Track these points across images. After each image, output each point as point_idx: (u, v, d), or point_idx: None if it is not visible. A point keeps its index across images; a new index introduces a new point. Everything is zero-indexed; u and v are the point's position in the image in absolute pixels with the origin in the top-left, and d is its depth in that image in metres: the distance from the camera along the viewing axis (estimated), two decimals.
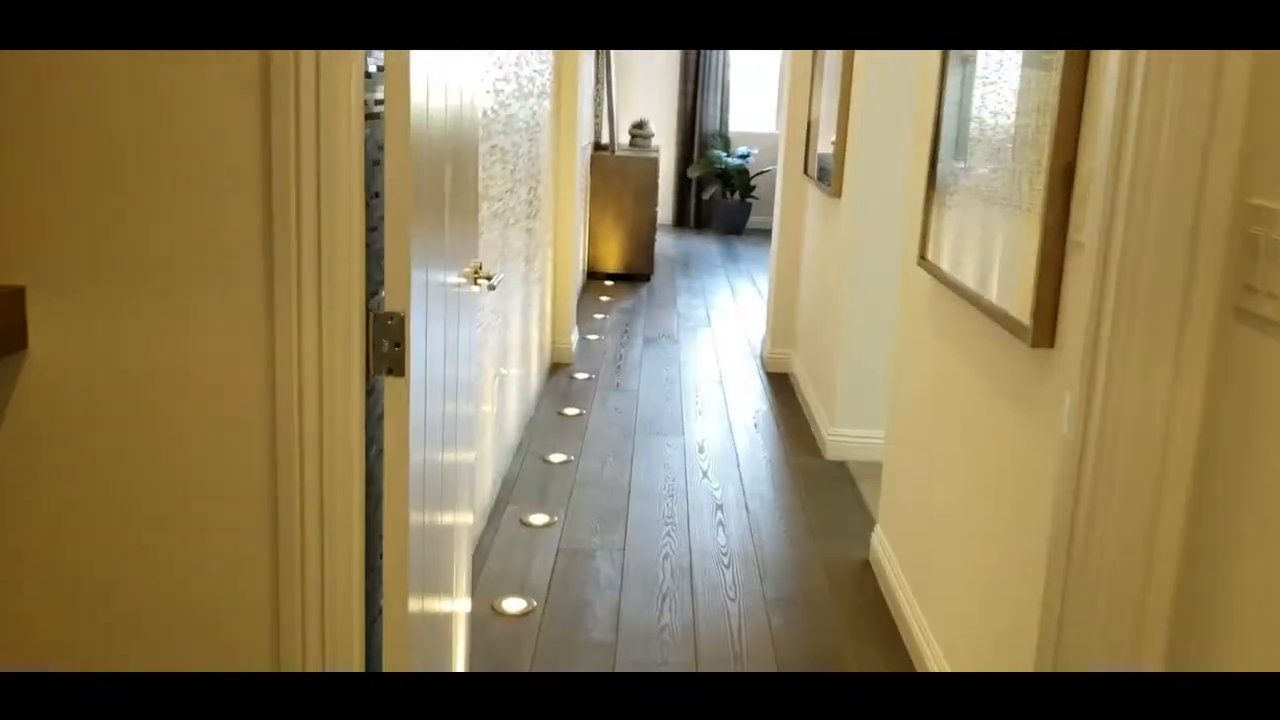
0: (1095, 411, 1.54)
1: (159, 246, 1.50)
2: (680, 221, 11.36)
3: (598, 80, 8.26)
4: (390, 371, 1.63)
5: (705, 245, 10.22)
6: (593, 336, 6.27)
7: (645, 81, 11.17)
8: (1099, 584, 1.54)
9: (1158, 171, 1.44)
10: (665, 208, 11.04)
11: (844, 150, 4.32)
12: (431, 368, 1.90)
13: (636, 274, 8.17)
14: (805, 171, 5.25)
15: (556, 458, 4.25)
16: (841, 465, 4.32)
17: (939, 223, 2.76)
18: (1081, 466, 1.56)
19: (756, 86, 11.70)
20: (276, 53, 1.44)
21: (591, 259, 8.13)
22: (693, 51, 11.04)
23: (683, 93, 11.15)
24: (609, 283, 8.01)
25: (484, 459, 3.55)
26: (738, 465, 4.29)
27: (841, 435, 4.37)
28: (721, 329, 6.68)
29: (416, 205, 1.69)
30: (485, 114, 3.21)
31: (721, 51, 11.06)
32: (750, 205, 11.02)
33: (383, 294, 1.66)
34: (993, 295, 2.27)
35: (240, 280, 1.51)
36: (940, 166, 2.75)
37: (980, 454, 2.45)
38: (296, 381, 1.52)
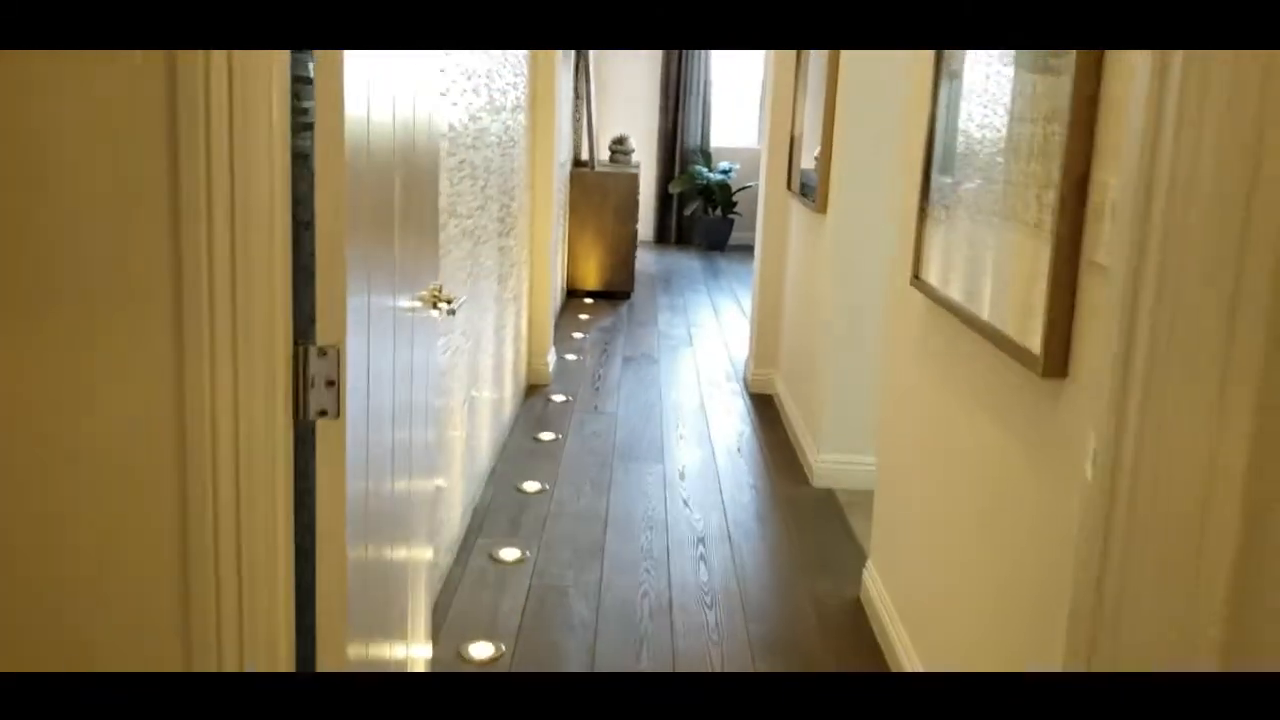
0: (1126, 454, 1.35)
1: (61, 276, 1.29)
2: (661, 238, 11.19)
3: (577, 95, 8.09)
4: (324, 414, 1.43)
5: (687, 262, 10.05)
6: (571, 356, 6.08)
7: (625, 97, 11.01)
8: (1130, 655, 1.35)
9: (1199, 184, 1.26)
10: (646, 224, 10.87)
11: (829, 165, 4.15)
12: (379, 397, 1.70)
13: (617, 291, 7.98)
14: (788, 187, 5.08)
15: (530, 486, 4.05)
16: (829, 493, 4.13)
17: (933, 241, 2.58)
18: (1110, 520, 1.38)
19: (738, 101, 11.56)
20: (183, 53, 1.25)
21: (571, 276, 7.95)
22: (673, 66, 10.89)
23: (663, 108, 10.99)
24: (589, 300, 7.82)
25: (453, 488, 3.35)
26: (720, 493, 4.10)
27: (828, 461, 4.19)
28: (703, 348, 6.50)
29: (357, 224, 1.50)
30: (452, 127, 3.03)
31: (703, 66, 10.92)
32: (732, 221, 10.85)
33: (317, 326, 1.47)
34: (996, 319, 2.09)
35: (149, 314, 1.30)
36: (934, 181, 2.58)
37: (983, 491, 2.26)
38: (210, 430, 1.31)
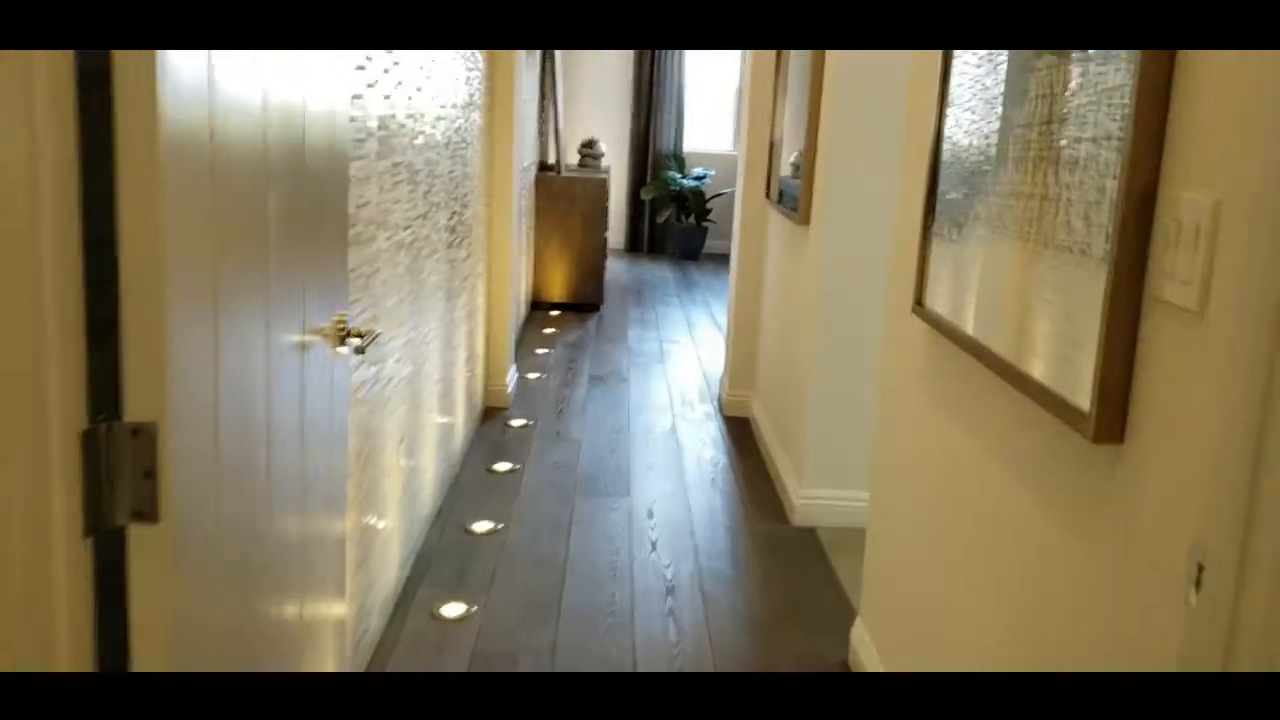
0: (1256, 572, 0.97)
1: None
2: (633, 246, 10.80)
3: (543, 95, 7.69)
4: (141, 516, 1.03)
5: (659, 272, 9.66)
6: (533, 375, 5.67)
7: (595, 98, 10.63)
8: None
9: None
10: (616, 232, 10.48)
11: (812, 172, 3.78)
12: (244, 473, 1.30)
13: (584, 304, 7.59)
14: (767, 195, 4.71)
15: (481, 526, 3.64)
16: (811, 533, 3.75)
17: (940, 263, 2.20)
18: (1230, 663, 1.00)
19: (713, 104, 11.20)
20: None
21: (536, 288, 7.55)
22: (646, 66, 10.52)
23: (635, 110, 10.61)
24: (554, 313, 7.42)
25: (390, 536, 2.95)
26: (692, 534, 3.71)
27: (811, 498, 3.81)
28: (676, 366, 6.11)
29: (197, 251, 1.10)
30: (384, 125, 2.63)
31: (676, 67, 10.55)
32: (707, 229, 10.48)
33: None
34: (1028, 365, 1.71)
35: None
36: (942, 194, 2.20)
37: (1004, 562, 1.88)
38: None
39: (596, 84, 10.58)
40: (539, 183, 7.44)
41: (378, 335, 2.46)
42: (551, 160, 7.91)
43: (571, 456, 4.43)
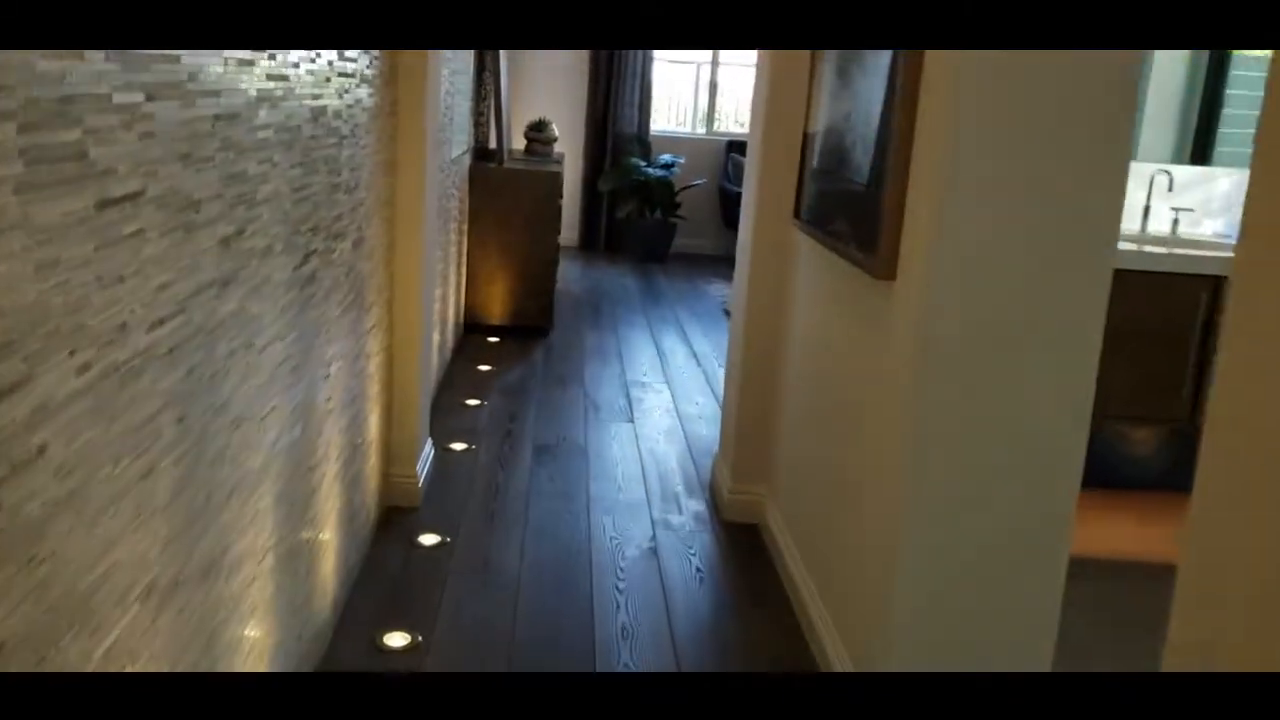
0: None
1: None
2: (588, 244, 9.29)
3: (481, 67, 6.16)
4: None
5: (619, 278, 8.17)
6: (458, 446, 4.17)
7: (545, 72, 9.07)
8: None
9: None
10: (570, 228, 8.96)
11: (901, 206, 2.32)
12: None
13: (530, 327, 6.08)
14: (796, 215, 3.24)
15: None
16: None
17: None
18: None
19: (684, 80, 9.70)
20: None
21: (470, 307, 6.03)
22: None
23: (592, 87, 9.08)
24: (493, 340, 5.91)
25: None
26: None
27: None
28: (650, 428, 4.64)
29: None
30: (150, 95, 1.14)
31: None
32: (674, 226, 9.00)
33: None
34: None
35: None
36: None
37: None
38: None
39: (546, 55, 9.03)
40: (475, 176, 5.91)
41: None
42: (493, 145, 6.39)
43: (504, 611, 2.95)
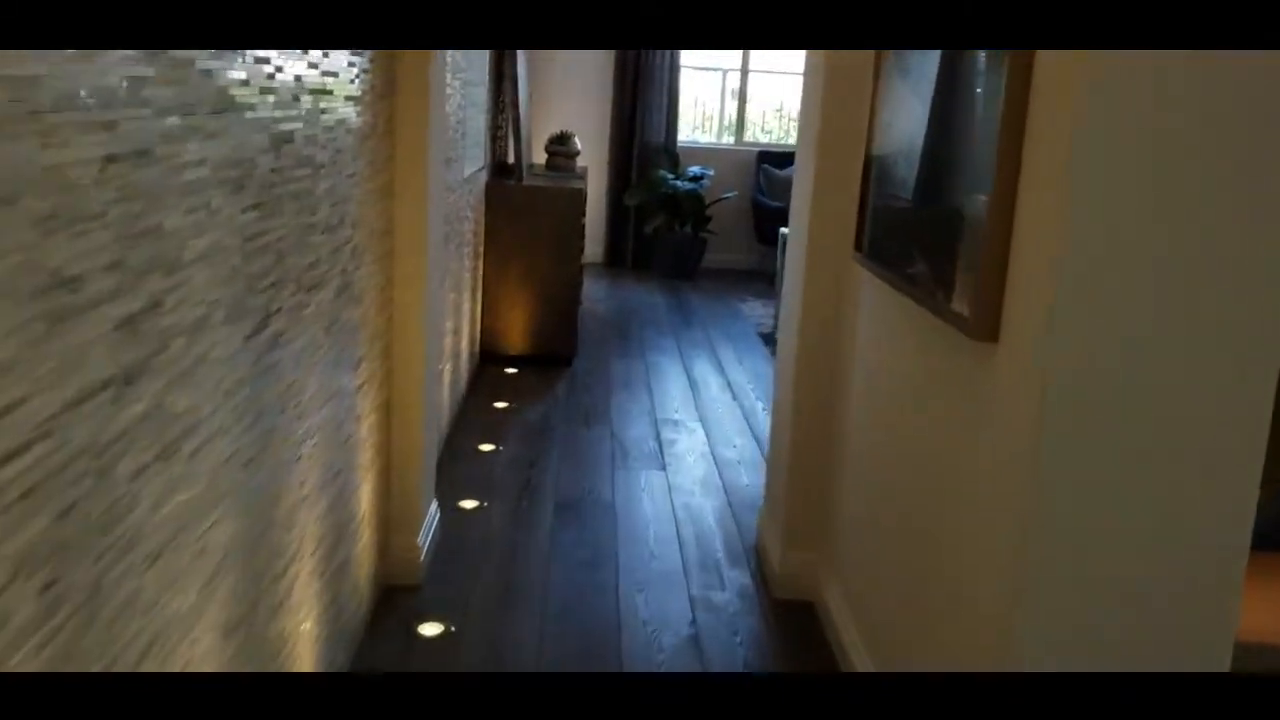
0: None
1: None
2: (615, 261, 8.84)
3: (501, 77, 5.72)
4: None
5: (647, 296, 7.71)
6: (469, 503, 3.72)
7: (568, 80, 8.64)
8: None
9: None
10: (595, 243, 8.51)
11: (1005, 254, 1.85)
12: None
13: (553, 356, 5.63)
14: (858, 249, 2.77)
15: None
16: None
17: None
18: None
19: (714, 88, 9.25)
20: None
21: (486, 335, 5.59)
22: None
23: (618, 96, 8.63)
24: (511, 372, 5.46)
25: None
26: None
27: None
28: (684, 476, 4.17)
29: None
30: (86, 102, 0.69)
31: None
32: (705, 241, 8.54)
33: None
34: None
35: None
36: None
37: None
38: None
39: (569, 62, 8.59)
40: (491, 194, 5.47)
41: None
42: (511, 160, 5.95)
43: None
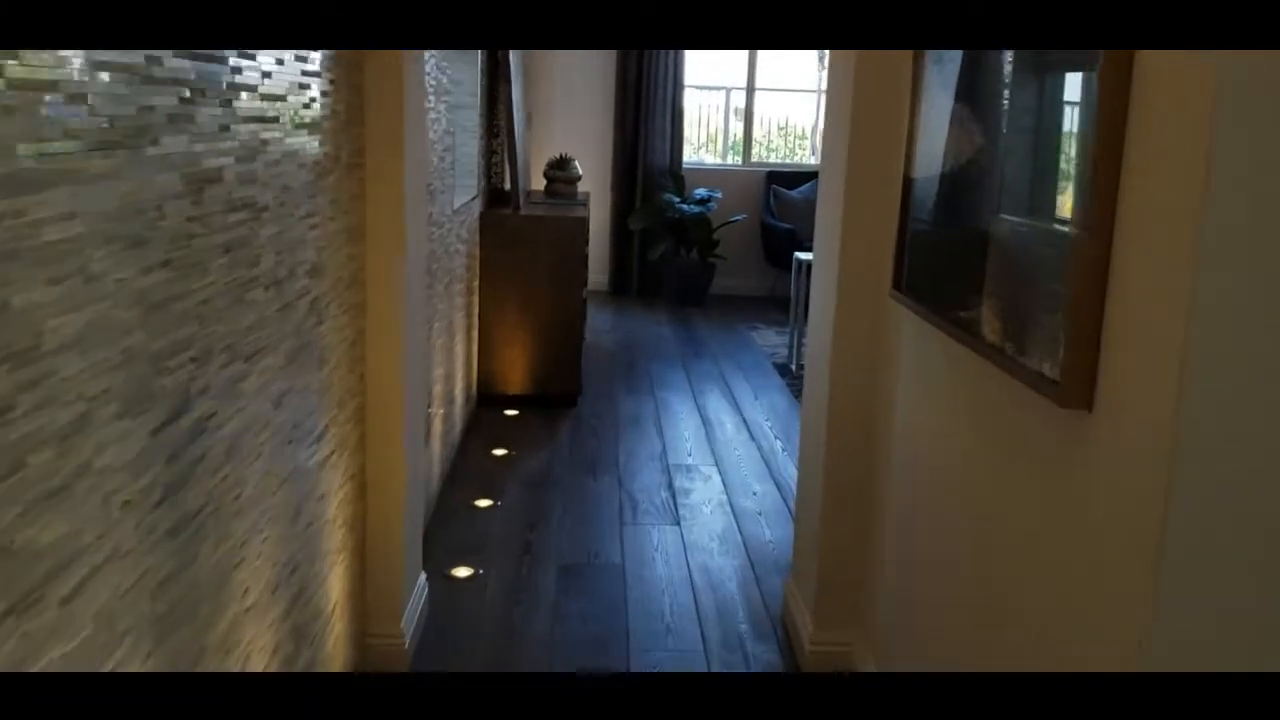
0: None
1: None
2: (619, 288, 8.49)
3: (493, 99, 5.38)
4: None
5: (654, 326, 7.35)
6: (462, 571, 3.35)
7: (567, 100, 8.31)
8: None
9: None
10: (598, 271, 8.16)
11: (1101, 299, 1.49)
12: None
13: (556, 395, 5.27)
14: (897, 287, 2.41)
15: None
16: None
17: None
18: None
19: (719, 107, 8.92)
20: None
21: (484, 375, 5.23)
22: (633, 59, 8.22)
23: (620, 116, 8.30)
24: (510, 413, 5.10)
25: None
26: None
27: None
28: (699, 529, 3.80)
29: None
30: None
31: (672, 61, 8.25)
32: (713, 267, 8.18)
33: None
34: None
35: None
36: None
37: None
38: None
39: (568, 81, 8.27)
40: (486, 225, 5.12)
41: None
42: (507, 187, 5.60)
43: None
